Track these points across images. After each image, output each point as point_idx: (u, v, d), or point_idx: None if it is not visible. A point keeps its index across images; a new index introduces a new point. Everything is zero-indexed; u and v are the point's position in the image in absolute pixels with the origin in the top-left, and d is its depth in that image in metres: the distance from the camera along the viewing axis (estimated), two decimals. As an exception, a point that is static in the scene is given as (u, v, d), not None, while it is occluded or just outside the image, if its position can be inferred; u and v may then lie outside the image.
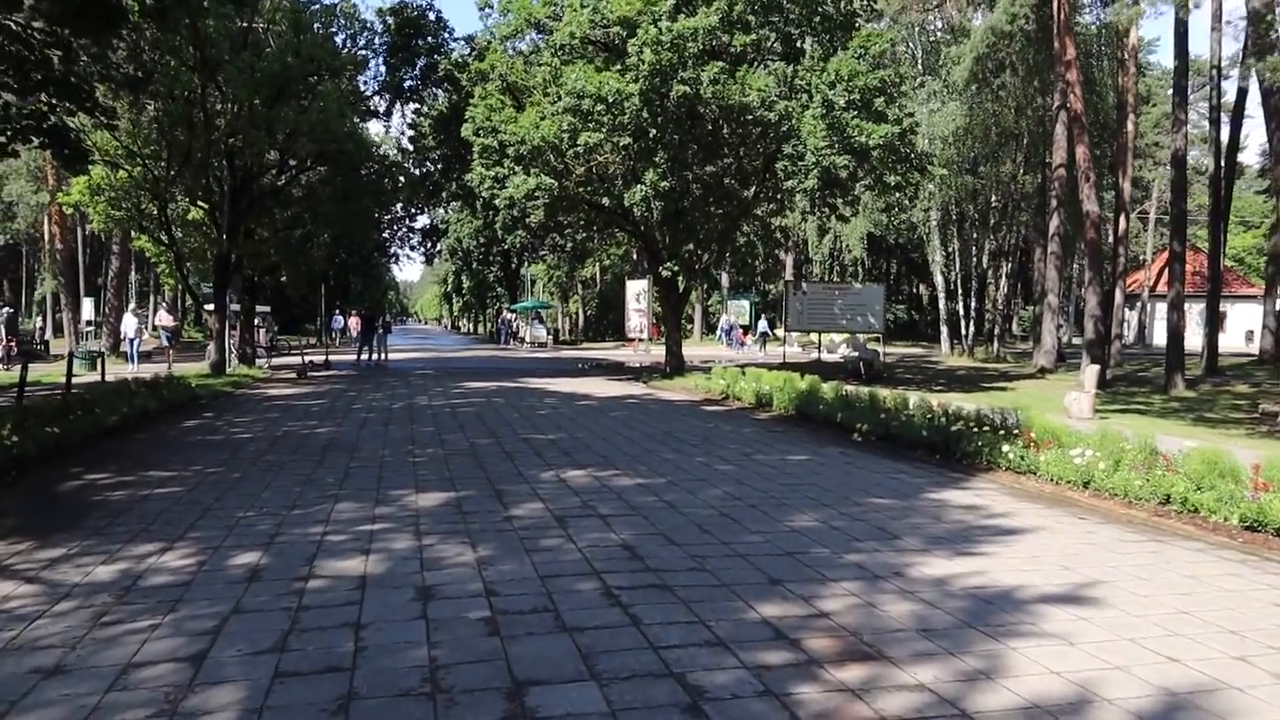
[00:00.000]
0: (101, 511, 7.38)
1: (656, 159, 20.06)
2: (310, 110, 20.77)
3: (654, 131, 19.69)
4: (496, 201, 21.33)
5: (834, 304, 31.10)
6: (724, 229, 22.10)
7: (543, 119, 20.57)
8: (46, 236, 35.22)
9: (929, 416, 11.70)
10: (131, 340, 22.63)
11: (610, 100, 19.19)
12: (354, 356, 30.85)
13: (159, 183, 21.12)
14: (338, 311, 53.02)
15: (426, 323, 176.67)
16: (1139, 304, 52.34)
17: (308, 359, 28.82)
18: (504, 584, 5.32)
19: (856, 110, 19.99)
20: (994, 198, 37.68)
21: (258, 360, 28.65)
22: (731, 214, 22.09)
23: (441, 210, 60.74)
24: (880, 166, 20.54)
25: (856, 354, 26.70)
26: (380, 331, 30.27)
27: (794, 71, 20.18)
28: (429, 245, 61.32)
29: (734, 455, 10.58)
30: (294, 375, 23.68)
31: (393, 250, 60.11)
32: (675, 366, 23.94)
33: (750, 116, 19.77)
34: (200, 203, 22.57)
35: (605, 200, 20.63)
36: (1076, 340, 54.81)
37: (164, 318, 24.47)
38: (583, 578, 5.45)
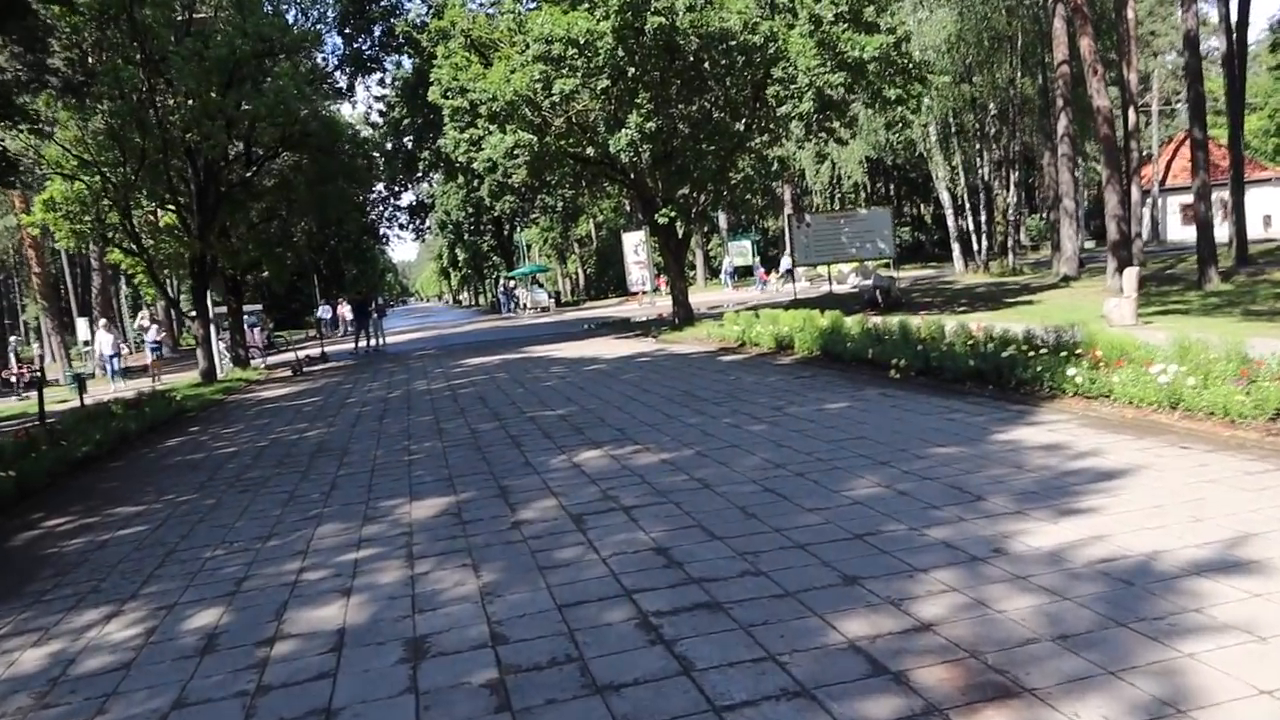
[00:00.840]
0: (51, 569, 6.36)
1: (638, 100, 18.76)
2: (266, 93, 19.45)
3: (632, 70, 18.37)
4: (475, 165, 20.09)
5: (840, 233, 29.95)
6: (718, 167, 20.80)
7: (513, 72, 19.25)
8: (28, 261, 34.02)
9: (971, 343, 10.57)
10: (110, 358, 21.39)
11: (582, 42, 17.86)
12: (351, 346, 29.75)
13: (119, 190, 19.90)
14: (324, 302, 51.18)
15: (428, 300, 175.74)
16: (1149, 199, 50.77)
17: (304, 354, 27.81)
18: (514, 624, 4.25)
19: (846, 23, 18.64)
20: (991, 105, 36.12)
21: (253, 361, 27.65)
22: (724, 150, 20.78)
23: (426, 184, 59.46)
24: (877, 81, 19.21)
25: (871, 283, 25.48)
26: (375, 316, 29.14)
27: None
28: (418, 222, 60.23)
29: (764, 411, 9.48)
30: (289, 373, 22.65)
31: (382, 231, 59.29)
32: (684, 316, 22.80)
33: (733, 42, 18.40)
34: (167, 206, 21.36)
35: (590, 150, 19.35)
36: (1088, 244, 53.45)
37: (148, 328, 23.26)
38: (611, 603, 4.39)
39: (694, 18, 18.17)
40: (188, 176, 21.17)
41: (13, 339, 26.98)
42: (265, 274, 27.25)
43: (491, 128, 19.65)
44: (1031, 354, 9.28)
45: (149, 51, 19.23)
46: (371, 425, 11.67)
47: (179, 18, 20.31)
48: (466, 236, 64.04)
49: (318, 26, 22.16)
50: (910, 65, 19.87)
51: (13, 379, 26.14)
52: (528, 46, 18.38)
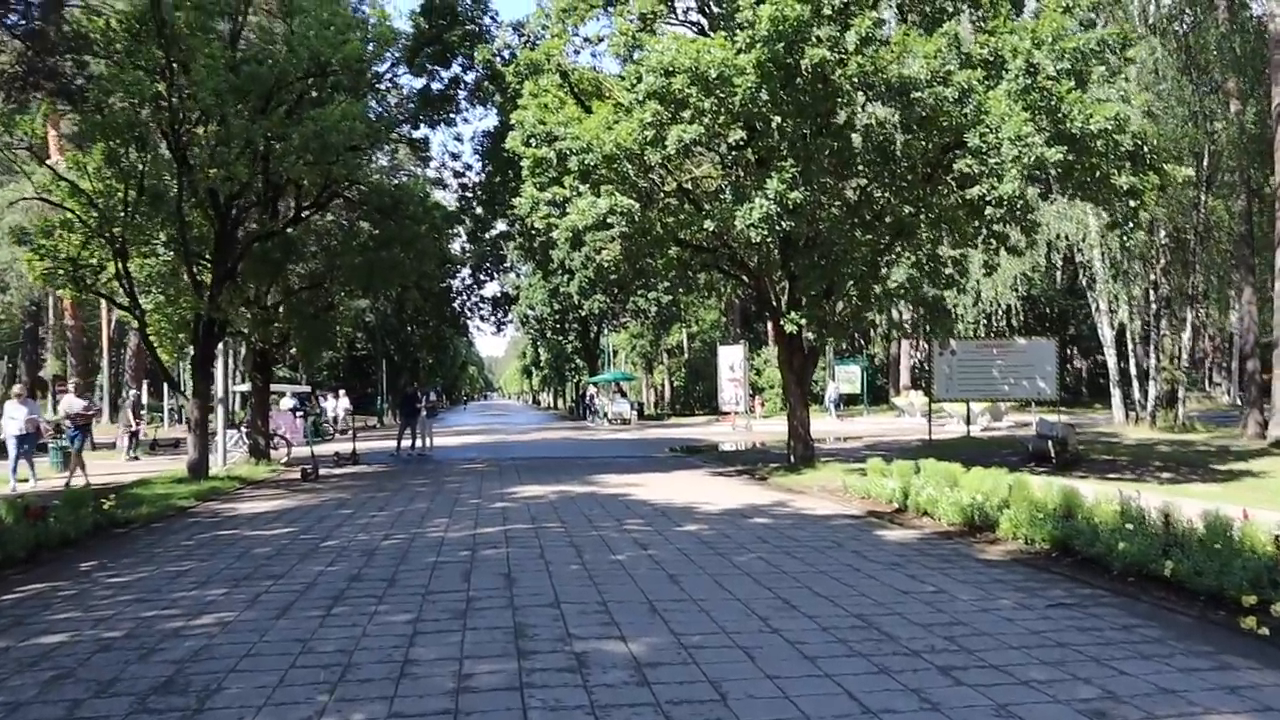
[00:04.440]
0: None
1: (782, 163, 13.94)
2: (304, 121, 15.23)
3: (777, 119, 13.60)
4: (554, 233, 15.42)
5: (992, 365, 24.54)
6: (870, 262, 15.81)
7: (616, 121, 14.73)
8: (53, 312, 30.22)
9: None
10: (17, 440, 16.04)
11: (713, 76, 13.23)
12: (394, 445, 25.02)
13: (112, 226, 15.76)
14: (326, 394, 44.33)
15: (509, 398, 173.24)
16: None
17: (335, 450, 23.20)
18: None
19: (1070, 81, 13.72)
20: (1162, 231, 30.56)
21: (277, 452, 23.14)
22: (883, 241, 15.81)
23: (512, 275, 55.80)
24: (1103, 163, 14.12)
25: (1047, 433, 19.85)
26: (423, 414, 24.47)
27: (976, 25, 13.98)
28: (500, 314, 56.46)
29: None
30: (299, 476, 17.96)
31: (462, 320, 55.56)
32: (804, 455, 17.51)
33: (917, 94, 13.56)
34: (166, 249, 17.16)
35: (707, 224, 14.51)
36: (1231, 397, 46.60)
37: (71, 403, 18.51)
38: None
39: (864, 61, 13.44)
40: (198, 221, 17.02)
41: (132, 393, 23.35)
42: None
43: (582, 188, 15.04)
44: None
45: (172, 58, 15.27)
46: (301, 622, 6.60)
47: (221, 26, 16.41)
48: (549, 335, 59.91)
49: (388, 56, 17.90)
50: (1145, 149, 14.73)
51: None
52: (639, 80, 13.80)
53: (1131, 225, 14.96)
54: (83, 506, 11.47)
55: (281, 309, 20.09)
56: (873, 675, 5.09)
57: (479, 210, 21.74)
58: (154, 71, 15.42)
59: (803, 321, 15.77)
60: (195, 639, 6.20)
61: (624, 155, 14.51)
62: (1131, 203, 14.33)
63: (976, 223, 15.61)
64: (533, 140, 15.55)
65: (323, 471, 18.67)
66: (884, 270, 16.59)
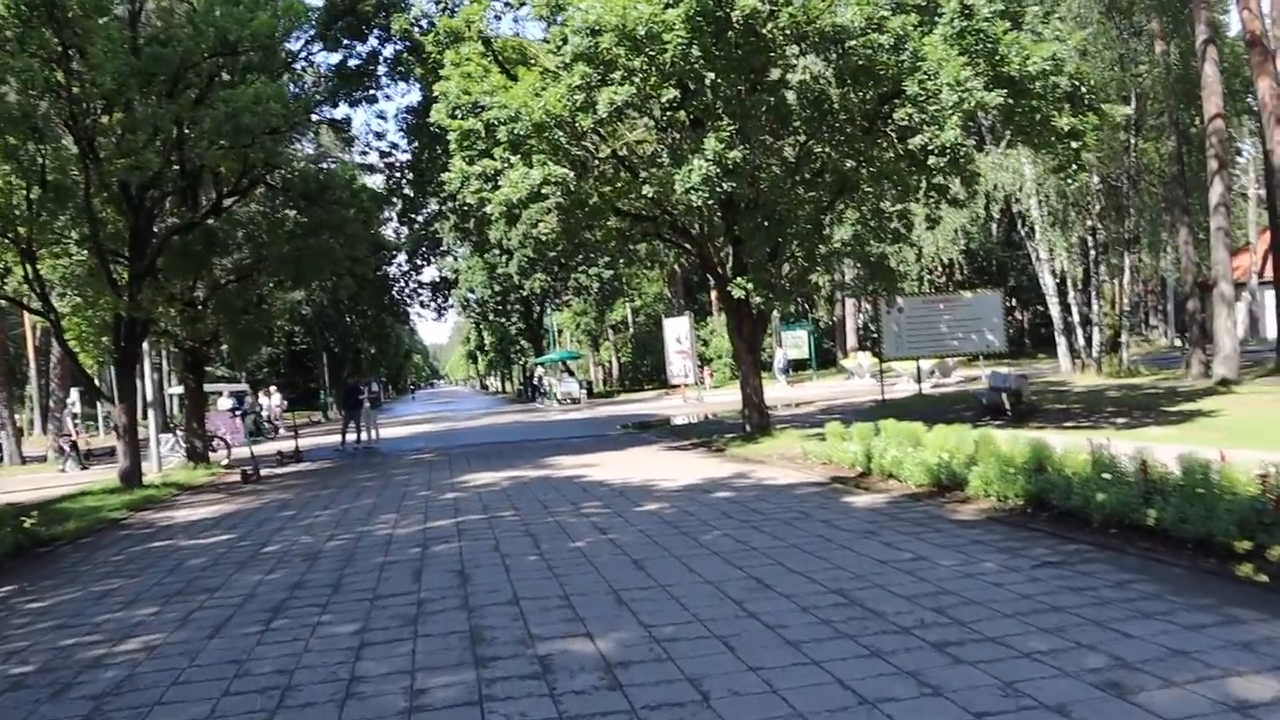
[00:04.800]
0: None
1: (718, 120, 13.45)
2: (214, 104, 14.38)
3: (711, 76, 13.09)
4: (488, 208, 14.77)
5: (940, 320, 24.42)
6: (814, 220, 15.44)
7: (544, 88, 14.11)
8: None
9: None
10: None
11: (642, 34, 12.68)
12: (339, 438, 24.22)
13: (15, 225, 14.79)
14: (259, 391, 42.40)
15: (456, 384, 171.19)
16: None
17: (277, 449, 22.37)
18: None
19: (1005, 23, 13.42)
20: (1094, 177, 30.65)
21: (217, 454, 22.27)
22: (826, 199, 15.43)
23: (450, 258, 54.71)
24: (1043, 105, 13.86)
25: (1001, 385, 19.74)
26: (366, 406, 23.70)
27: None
28: (440, 299, 55.34)
29: (1080, 692, 3.84)
30: (239, 478, 17.19)
31: (401, 308, 54.31)
32: (759, 423, 17.16)
33: (851, 43, 13.14)
34: (80, 248, 16.21)
35: (645, 190, 13.97)
36: (1176, 342, 47.33)
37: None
38: None
39: (795, 11, 12.97)
40: (112, 217, 16.10)
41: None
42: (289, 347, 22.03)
43: (513, 159, 14.40)
44: None
45: (67, 42, 14.29)
46: (244, 638, 6.03)
47: (119, 7, 15.43)
48: (492, 317, 58.97)
49: (299, 34, 17.00)
50: (1082, 89, 14.50)
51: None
52: (564, 42, 13.20)
53: (1075, 168, 14.72)
54: (1, 526, 10.72)
55: (210, 305, 19.16)
56: (864, 659, 4.68)
57: (408, 190, 20.94)
58: (50, 60, 14.44)
59: (749, 286, 15.32)
60: (118, 668, 5.61)
61: (554, 122, 13.91)
62: (1074, 145, 14.11)
63: (919, 175, 15.30)
64: (458, 112, 14.86)
65: (264, 472, 17.92)
66: (827, 229, 16.24)
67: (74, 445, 24.89)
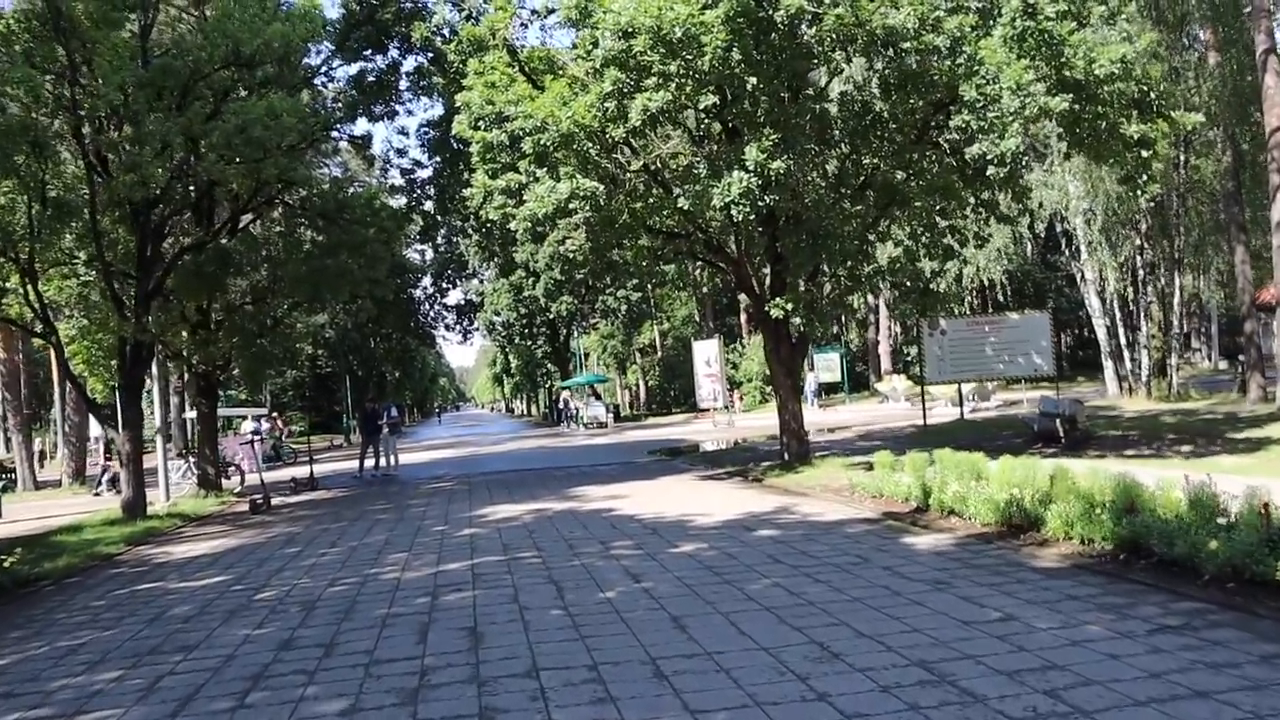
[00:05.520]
0: None
1: (760, 128, 12.50)
2: (225, 117, 13.62)
3: (753, 81, 12.14)
4: (513, 224, 13.88)
5: (985, 343, 23.32)
6: (860, 237, 14.43)
7: (573, 96, 13.25)
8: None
9: None
10: None
11: (678, 37, 11.78)
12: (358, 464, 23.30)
13: (16, 243, 14.08)
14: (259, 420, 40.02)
15: (482, 407, 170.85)
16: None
17: (290, 477, 21.48)
18: None
19: (1070, 23, 12.42)
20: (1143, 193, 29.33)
21: (230, 481, 21.50)
22: (874, 214, 14.42)
23: (476, 281, 54.14)
24: (1109, 111, 12.83)
25: (1046, 409, 18.58)
26: (385, 431, 22.81)
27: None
28: (465, 322, 54.78)
29: None
30: (248, 508, 16.34)
31: (426, 331, 53.72)
32: (798, 451, 16.10)
33: (904, 46, 12.19)
34: (88, 268, 15.49)
35: (681, 204, 13.04)
36: (1222, 365, 45.69)
37: None
38: None
39: (844, 12, 12.03)
40: (123, 236, 15.38)
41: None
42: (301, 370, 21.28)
43: (539, 172, 13.52)
44: None
45: (74, 53, 13.61)
46: (209, 718, 5.09)
47: (130, 19, 14.76)
48: (518, 340, 58.19)
49: (319, 48, 16.29)
50: (1151, 95, 13.47)
51: None
52: (595, 45, 12.33)
53: (1145, 178, 13.64)
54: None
55: (223, 327, 18.40)
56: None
57: (429, 208, 20.16)
58: (59, 74, 13.78)
59: (789, 306, 14.32)
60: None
61: (583, 133, 13.02)
62: (1143, 153, 13.05)
63: (974, 187, 14.28)
64: (481, 123, 14.00)
65: (276, 500, 17.06)
66: (870, 247, 15.24)
67: (109, 472, 24.25)
